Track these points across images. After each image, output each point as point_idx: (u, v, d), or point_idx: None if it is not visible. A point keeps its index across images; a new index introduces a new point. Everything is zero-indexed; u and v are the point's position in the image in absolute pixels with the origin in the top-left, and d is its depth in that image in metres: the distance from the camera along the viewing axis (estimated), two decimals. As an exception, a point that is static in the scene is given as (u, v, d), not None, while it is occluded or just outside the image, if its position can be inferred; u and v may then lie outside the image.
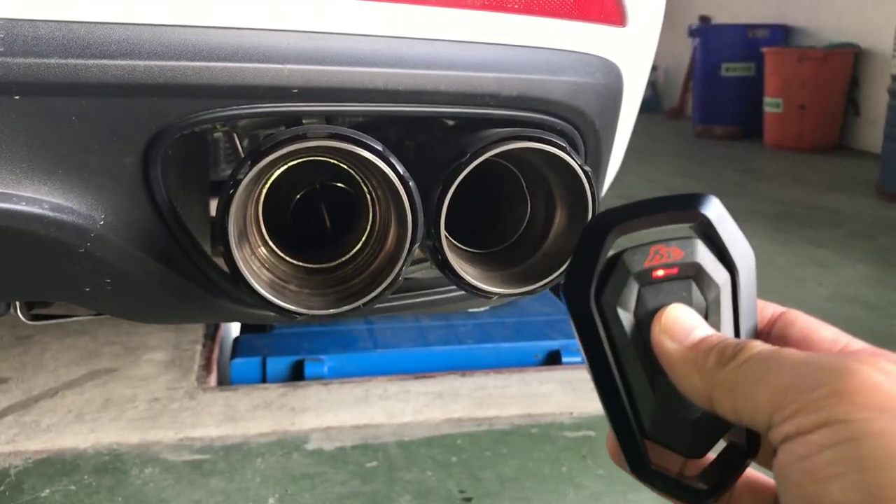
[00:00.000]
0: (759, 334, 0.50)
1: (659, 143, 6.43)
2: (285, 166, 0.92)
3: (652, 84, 8.43)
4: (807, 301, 2.54)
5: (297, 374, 1.88)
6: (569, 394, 1.79)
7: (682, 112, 8.13)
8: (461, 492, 1.42)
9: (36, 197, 0.73)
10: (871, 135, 5.75)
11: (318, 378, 1.85)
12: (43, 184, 0.74)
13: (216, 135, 1.34)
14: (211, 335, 2.06)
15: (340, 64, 0.79)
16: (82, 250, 0.78)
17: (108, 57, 0.70)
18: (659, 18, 1.11)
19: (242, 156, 1.17)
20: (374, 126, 1.11)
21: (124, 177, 0.77)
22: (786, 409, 0.37)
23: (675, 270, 0.48)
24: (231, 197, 0.75)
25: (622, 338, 0.47)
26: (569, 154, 0.86)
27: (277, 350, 1.92)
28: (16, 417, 1.65)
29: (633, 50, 1.02)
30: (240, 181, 0.75)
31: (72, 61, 0.69)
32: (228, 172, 1.49)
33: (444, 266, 0.88)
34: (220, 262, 0.83)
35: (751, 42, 6.72)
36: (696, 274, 0.48)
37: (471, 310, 2.09)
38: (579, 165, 0.86)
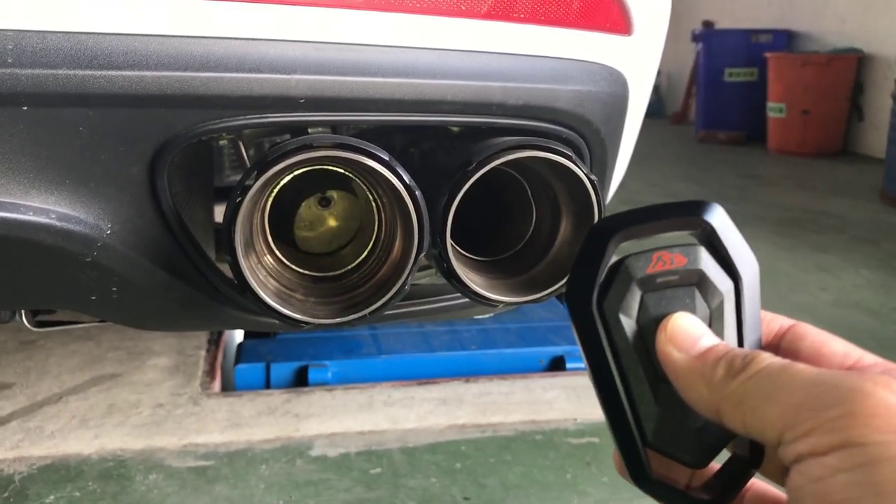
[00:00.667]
0: (768, 347, 0.49)
1: (662, 147, 6.43)
2: (291, 175, 0.92)
3: (655, 89, 8.42)
4: (810, 306, 2.53)
5: (300, 380, 1.89)
6: (573, 400, 1.79)
7: (685, 117, 8.13)
8: (465, 498, 1.42)
9: (43, 207, 0.74)
10: (875, 140, 5.75)
11: (322, 384, 1.85)
12: (50, 194, 0.74)
13: (221, 142, 1.34)
14: (215, 341, 2.07)
15: (347, 74, 0.79)
16: (89, 259, 0.78)
17: (115, 68, 0.70)
18: (664, 27, 1.11)
19: (248, 164, 1.18)
20: (380, 133, 1.11)
21: (131, 186, 0.78)
22: (798, 427, 0.37)
23: (678, 277, 0.47)
24: (237, 207, 0.75)
25: (624, 344, 0.47)
26: (574, 163, 0.86)
27: (281, 356, 1.92)
28: (20, 423, 1.65)
29: (638, 58, 1.02)
30: (246, 191, 0.75)
31: (80, 72, 0.69)
32: (233, 178, 1.50)
33: (450, 274, 0.88)
34: (226, 269, 0.83)
35: (754, 47, 6.72)
36: (700, 281, 0.48)
37: (475, 316, 2.09)
38: (585, 174, 0.86)
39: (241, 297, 0.91)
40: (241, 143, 1.15)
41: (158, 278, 0.86)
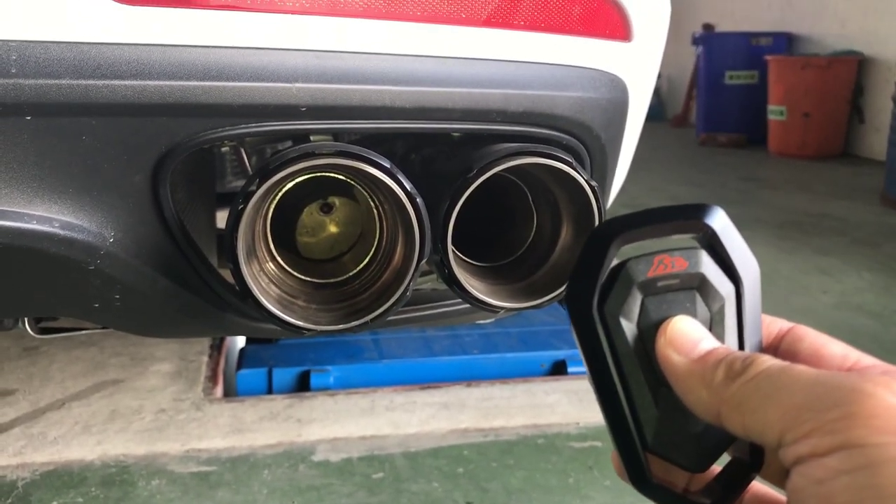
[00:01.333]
0: (767, 350, 0.49)
1: (662, 150, 6.43)
2: (292, 182, 0.93)
3: (655, 92, 8.42)
4: (811, 309, 2.54)
5: (303, 385, 1.89)
6: (575, 404, 1.79)
7: (685, 120, 8.13)
8: (468, 503, 1.42)
9: (47, 216, 0.74)
10: (876, 142, 5.75)
11: (324, 389, 1.86)
12: (54, 203, 0.74)
13: (223, 148, 1.35)
14: (217, 346, 2.07)
15: (348, 82, 0.79)
16: (92, 267, 0.78)
17: (118, 77, 0.71)
18: (664, 33, 1.12)
19: (250, 171, 1.18)
20: (381, 139, 1.12)
21: (134, 195, 0.78)
22: (798, 428, 0.37)
23: (679, 281, 0.47)
24: (240, 214, 0.76)
25: (625, 348, 0.47)
26: (575, 169, 0.86)
27: (283, 361, 1.92)
28: (23, 429, 1.66)
29: (638, 64, 1.02)
30: (248, 199, 0.75)
31: (83, 82, 0.69)
32: (234, 184, 1.50)
33: (451, 280, 0.88)
34: (228, 276, 0.84)
35: (754, 50, 6.73)
36: (701, 285, 0.48)
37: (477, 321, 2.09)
38: (586, 180, 0.87)
39: (243, 303, 0.92)
40: (243, 150, 1.16)
41: (161, 286, 0.86)
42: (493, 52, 0.88)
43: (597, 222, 0.89)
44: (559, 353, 2.01)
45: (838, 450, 0.35)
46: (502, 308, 0.92)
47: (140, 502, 1.41)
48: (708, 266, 0.48)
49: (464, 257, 0.97)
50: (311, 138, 0.95)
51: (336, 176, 0.94)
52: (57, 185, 0.74)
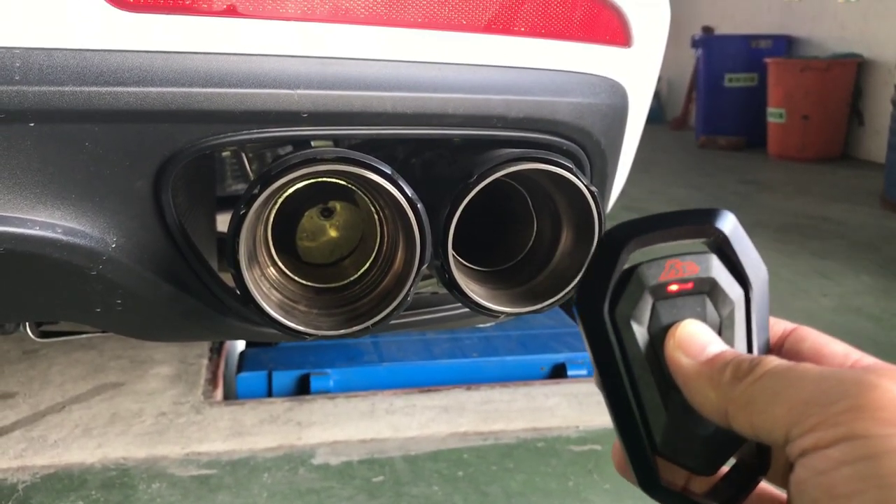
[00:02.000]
0: (771, 351, 0.50)
1: (662, 153, 6.44)
2: (294, 188, 0.93)
3: (655, 95, 8.40)
4: (811, 312, 2.54)
5: (302, 388, 1.89)
6: (574, 407, 1.79)
7: (685, 123, 8.14)
8: (467, 507, 1.42)
9: (49, 221, 0.74)
10: (876, 145, 5.76)
11: (324, 392, 1.86)
12: (56, 208, 0.75)
13: (224, 153, 1.35)
14: (217, 349, 2.07)
15: (350, 88, 0.80)
16: (94, 273, 0.79)
17: (121, 84, 0.71)
18: (663, 38, 1.12)
19: (251, 176, 1.18)
20: (382, 145, 1.12)
21: (136, 200, 0.78)
22: (804, 422, 0.37)
23: (689, 285, 0.48)
24: (241, 219, 0.76)
25: (635, 352, 0.47)
26: (575, 175, 0.86)
27: (283, 364, 1.93)
28: (23, 432, 1.66)
29: (638, 69, 1.03)
30: (250, 204, 0.76)
31: (86, 89, 0.70)
32: (235, 188, 1.50)
33: (452, 285, 0.89)
34: (229, 280, 0.84)
35: (754, 52, 6.74)
36: (711, 289, 0.48)
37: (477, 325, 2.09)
38: (586, 186, 0.87)
39: (244, 308, 0.92)
40: (244, 155, 1.16)
41: (162, 290, 0.86)
42: (493, 58, 0.88)
43: (597, 227, 0.89)
44: (559, 357, 2.01)
45: (841, 441, 0.35)
46: (502, 312, 0.92)
47: (140, 505, 1.42)
48: (718, 271, 0.48)
49: (464, 262, 0.98)
50: (312, 143, 0.96)
51: (337, 181, 0.94)
52: (59, 190, 0.74)
